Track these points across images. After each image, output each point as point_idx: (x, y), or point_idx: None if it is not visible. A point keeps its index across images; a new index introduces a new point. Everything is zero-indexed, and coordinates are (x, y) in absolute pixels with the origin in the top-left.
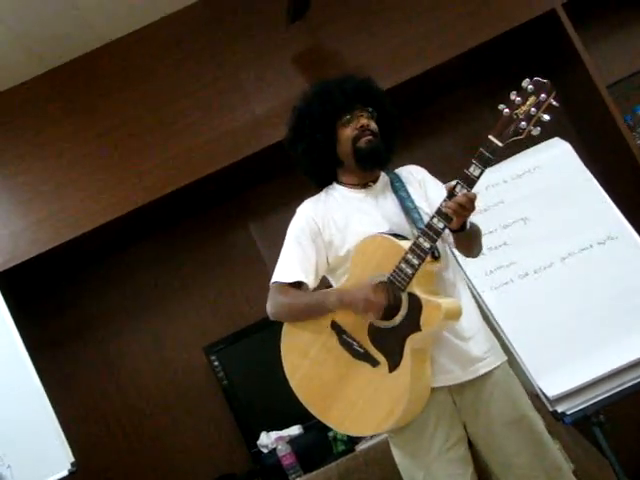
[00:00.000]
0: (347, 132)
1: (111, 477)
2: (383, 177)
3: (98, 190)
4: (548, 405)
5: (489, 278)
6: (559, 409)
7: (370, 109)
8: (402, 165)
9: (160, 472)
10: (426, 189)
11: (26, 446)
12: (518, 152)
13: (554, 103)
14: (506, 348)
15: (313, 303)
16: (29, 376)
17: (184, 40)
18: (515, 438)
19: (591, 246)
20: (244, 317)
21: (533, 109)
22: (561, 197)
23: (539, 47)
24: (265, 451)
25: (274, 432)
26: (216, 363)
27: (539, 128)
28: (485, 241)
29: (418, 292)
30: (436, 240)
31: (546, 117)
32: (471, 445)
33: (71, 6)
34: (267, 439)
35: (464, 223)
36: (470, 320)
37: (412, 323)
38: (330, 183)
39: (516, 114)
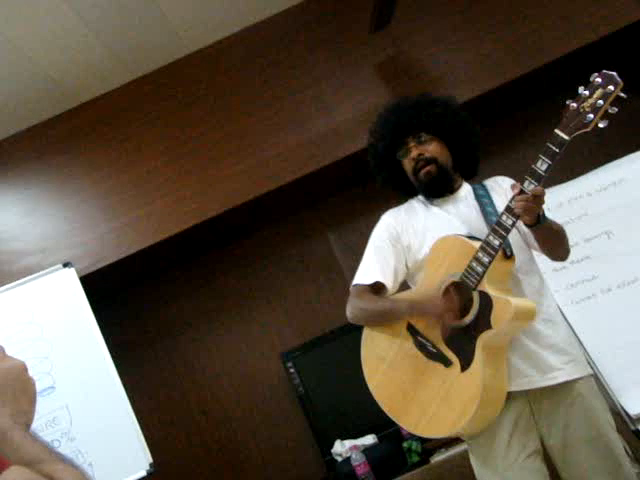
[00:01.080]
0: (406, 166)
1: (188, 478)
2: (465, 186)
3: (181, 197)
4: (630, 424)
5: (571, 292)
6: None
7: (421, 135)
8: (484, 175)
9: (235, 476)
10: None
11: (107, 445)
12: (604, 163)
13: (622, 95)
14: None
15: (386, 310)
16: (111, 378)
17: (266, 50)
18: (591, 456)
19: None
20: (321, 325)
21: (600, 101)
22: None
23: (625, 58)
24: (339, 459)
25: (348, 441)
26: (292, 370)
27: (607, 121)
28: None
29: (489, 290)
30: (505, 237)
31: (614, 109)
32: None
33: (158, 15)
34: (341, 447)
35: (538, 217)
36: (554, 329)
37: (483, 321)
38: (416, 194)
39: (583, 107)
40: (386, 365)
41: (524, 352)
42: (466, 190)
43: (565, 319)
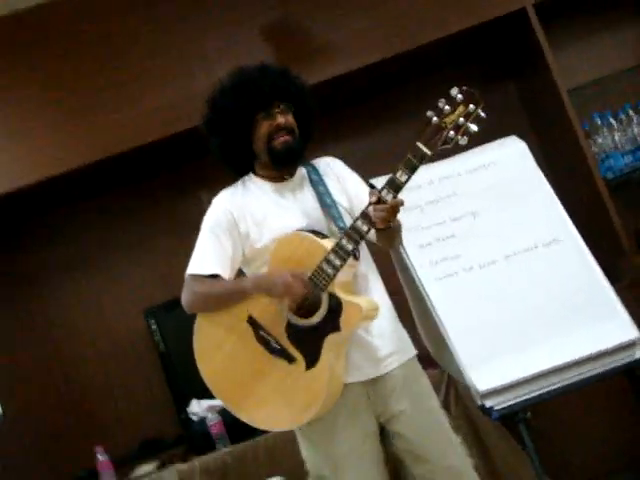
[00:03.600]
0: (263, 129)
1: (40, 431)
2: (300, 170)
3: (51, 141)
4: (477, 399)
5: (434, 269)
6: (487, 403)
7: (287, 104)
8: (328, 155)
9: (88, 431)
10: (345, 184)
11: None
12: (474, 146)
13: (482, 114)
14: (443, 339)
15: (230, 289)
16: None
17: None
18: (424, 431)
19: (536, 247)
20: None
21: (462, 119)
22: (512, 195)
23: (506, 44)
24: (195, 419)
25: (205, 401)
26: (154, 327)
27: (467, 137)
28: (434, 232)
29: (338, 292)
30: (359, 243)
31: (474, 128)
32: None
33: None
34: (198, 407)
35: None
36: (382, 316)
37: (332, 323)
38: (247, 173)
39: (444, 122)
40: (223, 354)
41: (358, 343)
42: (301, 174)
43: (427, 295)
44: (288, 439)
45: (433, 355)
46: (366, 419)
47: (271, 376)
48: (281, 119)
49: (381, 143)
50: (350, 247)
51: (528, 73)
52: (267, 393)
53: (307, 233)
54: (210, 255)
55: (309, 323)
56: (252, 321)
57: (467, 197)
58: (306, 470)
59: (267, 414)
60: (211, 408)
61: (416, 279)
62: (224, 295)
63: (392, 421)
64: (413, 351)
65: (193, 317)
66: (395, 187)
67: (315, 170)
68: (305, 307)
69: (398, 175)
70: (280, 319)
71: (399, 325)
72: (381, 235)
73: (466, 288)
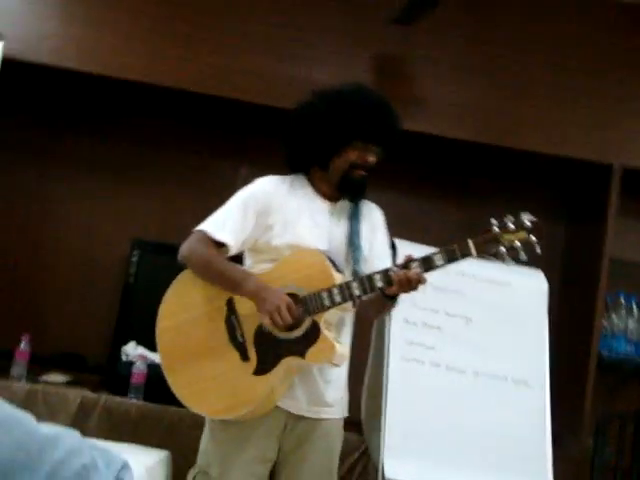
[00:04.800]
0: (353, 155)
1: None
2: (344, 200)
3: (150, 49)
4: None
5: (405, 348)
6: None
7: (382, 149)
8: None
9: (25, 318)
10: (375, 236)
11: None
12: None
13: (538, 250)
14: (379, 413)
15: (231, 276)
16: None
17: None
18: None
19: (506, 379)
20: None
21: (518, 243)
22: (510, 322)
23: (575, 189)
24: (124, 359)
25: (143, 348)
26: (134, 259)
27: (513, 261)
28: (425, 315)
29: (322, 325)
30: (367, 293)
31: (524, 257)
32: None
33: None
34: (132, 350)
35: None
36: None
37: (299, 348)
38: (300, 172)
39: (502, 237)
40: (187, 317)
41: (307, 380)
42: (344, 205)
43: (386, 368)
44: (197, 424)
45: (362, 421)
46: (273, 445)
47: (218, 361)
48: (373, 158)
49: (417, 211)
50: (357, 292)
51: (582, 224)
52: (204, 374)
53: (328, 261)
54: (230, 224)
55: (280, 336)
56: (230, 304)
57: (470, 301)
58: (196, 461)
59: (192, 392)
60: (143, 358)
61: (385, 348)
62: (224, 276)
63: (286, 462)
64: (345, 413)
65: (177, 271)
66: (427, 266)
67: (357, 209)
68: None
69: (436, 258)
70: (256, 317)
71: (346, 383)
72: (377, 304)
73: (424, 381)
